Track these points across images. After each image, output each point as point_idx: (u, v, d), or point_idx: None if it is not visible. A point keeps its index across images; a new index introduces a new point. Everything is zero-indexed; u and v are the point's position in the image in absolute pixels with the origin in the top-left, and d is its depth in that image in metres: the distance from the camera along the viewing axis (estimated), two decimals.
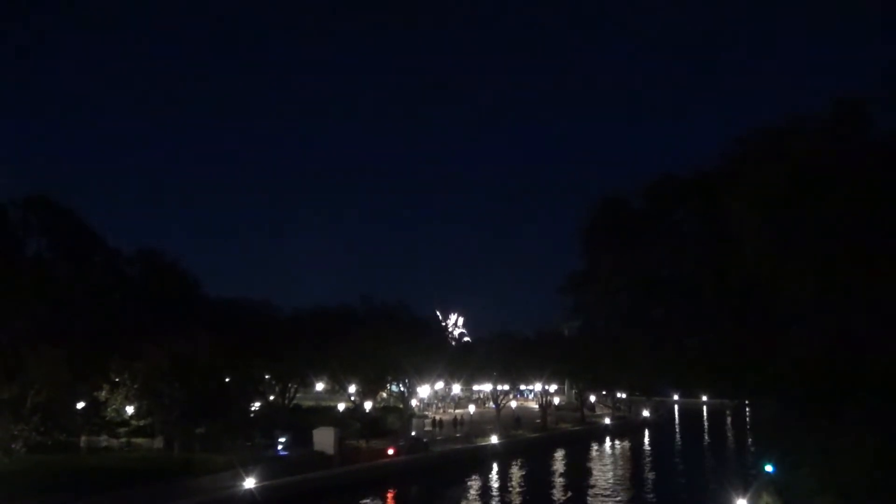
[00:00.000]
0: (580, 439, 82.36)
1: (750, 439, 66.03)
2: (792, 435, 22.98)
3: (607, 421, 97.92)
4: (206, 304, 60.87)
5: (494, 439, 67.07)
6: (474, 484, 52.01)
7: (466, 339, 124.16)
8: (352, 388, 67.46)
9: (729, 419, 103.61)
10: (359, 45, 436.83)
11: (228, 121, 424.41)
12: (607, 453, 75.92)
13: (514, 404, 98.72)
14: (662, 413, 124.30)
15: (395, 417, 72.42)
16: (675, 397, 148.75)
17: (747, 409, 55.48)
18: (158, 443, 50.40)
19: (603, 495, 48.48)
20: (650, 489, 52.70)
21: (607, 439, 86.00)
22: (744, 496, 32.76)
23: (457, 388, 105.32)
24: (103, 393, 47.21)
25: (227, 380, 53.13)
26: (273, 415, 63.14)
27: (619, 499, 47.70)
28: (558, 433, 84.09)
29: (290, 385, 67.68)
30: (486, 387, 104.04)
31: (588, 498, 47.74)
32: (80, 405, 48.86)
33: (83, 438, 48.51)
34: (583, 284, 27.20)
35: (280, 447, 51.72)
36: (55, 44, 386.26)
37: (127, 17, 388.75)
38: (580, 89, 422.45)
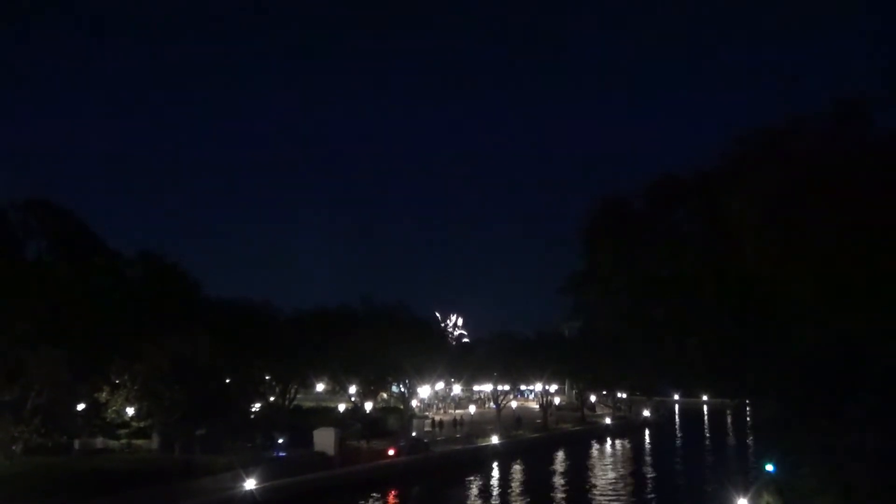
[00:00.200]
0: (581, 439, 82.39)
1: (750, 439, 66.06)
2: (792, 434, 22.93)
3: (608, 421, 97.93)
4: (206, 306, 60.73)
5: (495, 439, 67.08)
6: (475, 484, 52.02)
7: (466, 340, 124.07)
8: (352, 389, 67.48)
9: (729, 419, 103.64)
10: (359, 44, 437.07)
11: (228, 121, 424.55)
12: (608, 453, 75.94)
13: (514, 404, 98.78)
14: (663, 413, 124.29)
15: (396, 418, 72.47)
16: (676, 397, 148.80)
17: (747, 409, 55.44)
18: (155, 443, 50.38)
19: (604, 495, 48.51)
20: (651, 489, 52.72)
21: (608, 439, 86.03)
22: (744, 496, 32.75)
23: (457, 389, 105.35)
24: (103, 394, 47.21)
25: (227, 381, 53.15)
26: (273, 416, 63.14)
27: (620, 499, 47.72)
28: (559, 433, 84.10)
29: (290, 386, 67.66)
30: (487, 387, 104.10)
31: (589, 498, 47.76)
32: (81, 407, 48.84)
33: (77, 440, 48.21)
34: (583, 284, 27.17)
35: (277, 448, 51.60)
36: (55, 44, 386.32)
37: (127, 17, 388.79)
38: (580, 89, 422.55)
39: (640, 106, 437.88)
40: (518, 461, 63.19)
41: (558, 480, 55.45)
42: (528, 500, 47.46)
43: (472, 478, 53.75)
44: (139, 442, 51.23)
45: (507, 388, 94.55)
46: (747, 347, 21.96)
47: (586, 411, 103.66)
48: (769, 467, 33.80)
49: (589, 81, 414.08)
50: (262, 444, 52.76)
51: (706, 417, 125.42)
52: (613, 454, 75.60)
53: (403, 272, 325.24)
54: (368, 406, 66.79)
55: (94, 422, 50.16)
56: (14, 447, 39.97)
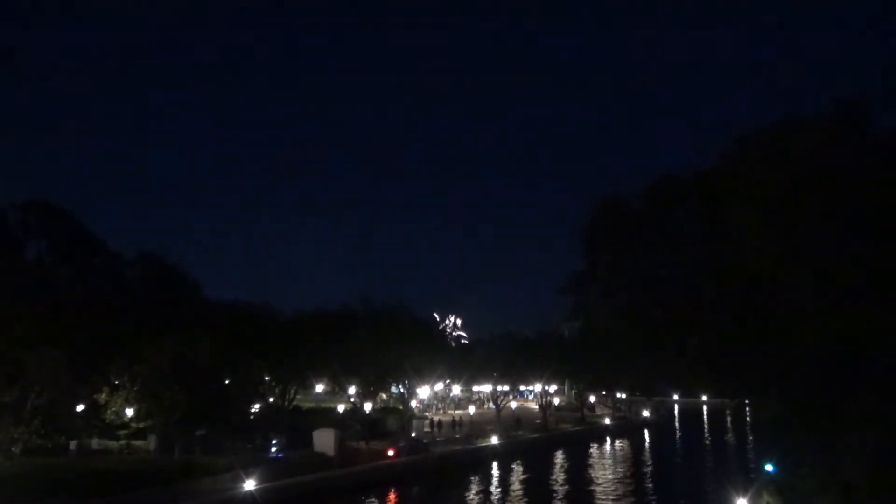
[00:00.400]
0: (580, 440, 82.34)
1: (750, 439, 66.07)
2: (792, 434, 22.94)
3: (607, 421, 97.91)
4: (206, 307, 60.79)
5: (495, 440, 67.06)
6: (475, 485, 52.00)
7: (465, 340, 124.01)
8: (352, 390, 67.44)
9: (729, 419, 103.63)
10: (359, 44, 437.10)
11: (228, 122, 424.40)
12: (607, 454, 75.89)
13: (514, 405, 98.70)
14: (663, 413, 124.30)
15: (395, 419, 72.44)
16: (676, 397, 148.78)
17: (747, 409, 55.47)
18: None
19: (603, 496, 48.48)
20: (651, 489, 52.70)
21: (607, 440, 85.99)
22: (744, 496, 32.76)
23: (457, 390, 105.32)
24: (103, 395, 47.18)
25: (227, 382, 53.11)
26: (273, 416, 63.11)
27: (619, 500, 47.69)
28: (558, 434, 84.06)
29: (290, 387, 67.64)
30: (486, 388, 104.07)
31: (589, 499, 47.74)
32: (80, 408, 48.78)
33: (72, 442, 48.06)
34: (583, 285, 27.16)
35: (274, 449, 51.35)
36: (54, 46, 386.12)
37: (127, 19, 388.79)
38: (580, 89, 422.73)
39: (640, 106, 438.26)
40: (518, 462, 63.17)
41: (558, 481, 55.41)
42: (528, 500, 47.43)
43: (471, 478, 53.71)
44: (138, 443, 51.19)
45: (506, 388, 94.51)
46: (747, 347, 21.97)
47: (586, 412, 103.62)
48: (769, 467, 33.81)
49: (589, 81, 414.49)
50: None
51: (706, 417, 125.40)
52: (613, 454, 75.55)
53: (403, 273, 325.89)
54: (368, 407, 66.77)
55: (94, 423, 50.11)
56: (14, 448, 39.94)
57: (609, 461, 69.26)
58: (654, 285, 25.30)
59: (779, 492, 28.20)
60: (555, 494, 49.22)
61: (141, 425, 49.43)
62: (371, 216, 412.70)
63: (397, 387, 75.89)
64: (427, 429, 74.17)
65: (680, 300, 24.25)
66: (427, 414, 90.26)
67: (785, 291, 19.51)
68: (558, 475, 58.83)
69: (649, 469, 64.07)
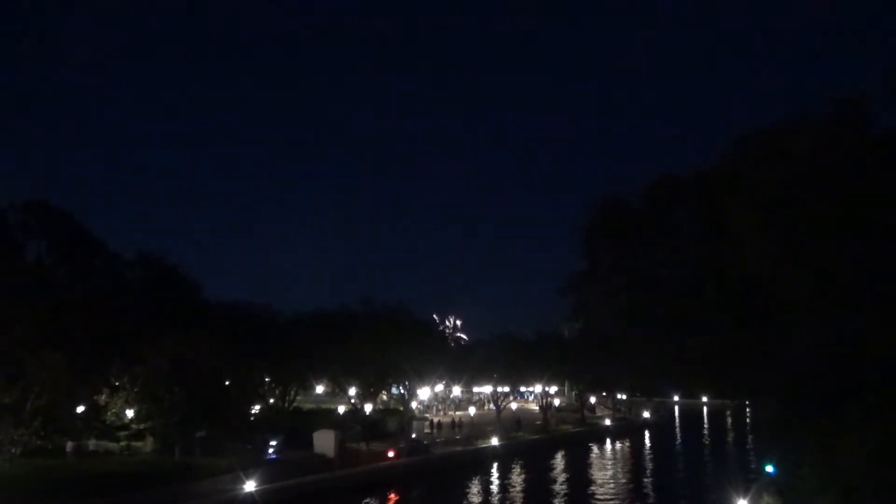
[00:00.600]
0: (581, 441, 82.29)
1: (750, 439, 66.01)
2: (793, 435, 22.92)
3: (608, 422, 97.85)
4: (206, 307, 60.80)
5: (495, 441, 67.01)
6: (475, 486, 51.96)
7: (464, 342, 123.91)
8: (352, 391, 67.40)
9: (729, 420, 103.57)
10: (358, 45, 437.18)
11: (228, 123, 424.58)
12: (608, 455, 75.85)
13: (514, 406, 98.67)
14: (663, 414, 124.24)
15: (396, 420, 72.38)
16: (676, 398, 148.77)
17: (747, 410, 55.44)
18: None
19: (603, 497, 48.45)
20: (651, 490, 52.67)
21: (608, 440, 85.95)
22: (744, 497, 32.73)
23: (457, 391, 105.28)
24: (103, 397, 47.13)
25: (227, 383, 53.07)
26: (273, 418, 63.08)
27: (620, 501, 47.65)
28: (559, 435, 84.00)
29: (290, 388, 67.61)
30: (487, 389, 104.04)
31: (589, 500, 47.71)
32: (80, 409, 48.73)
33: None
34: (583, 285, 27.18)
35: (271, 450, 51.05)
36: (54, 47, 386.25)
37: (127, 20, 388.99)
38: (579, 90, 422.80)
39: (639, 106, 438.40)
40: (518, 463, 63.13)
41: (558, 482, 55.36)
42: (528, 501, 47.41)
43: (472, 479, 53.66)
44: (138, 444, 51.14)
45: (506, 389, 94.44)
46: (747, 347, 21.96)
47: (586, 413, 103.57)
48: (769, 468, 33.80)
49: (588, 82, 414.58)
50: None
51: (706, 418, 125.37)
52: (613, 455, 75.51)
53: (403, 274, 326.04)
54: (368, 408, 66.72)
55: (95, 424, 50.05)
56: (13, 449, 39.91)
57: (609, 462, 69.21)
58: (654, 285, 25.31)
59: (779, 492, 28.17)
60: (555, 496, 49.17)
61: (141, 426, 49.36)
62: (371, 217, 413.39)
63: (397, 388, 75.83)
64: (427, 430, 74.15)
65: (680, 300, 24.25)
66: (427, 415, 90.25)
67: (785, 292, 19.50)
68: (558, 476, 58.79)
69: (650, 470, 64.04)
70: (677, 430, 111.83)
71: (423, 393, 79.58)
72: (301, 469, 47.02)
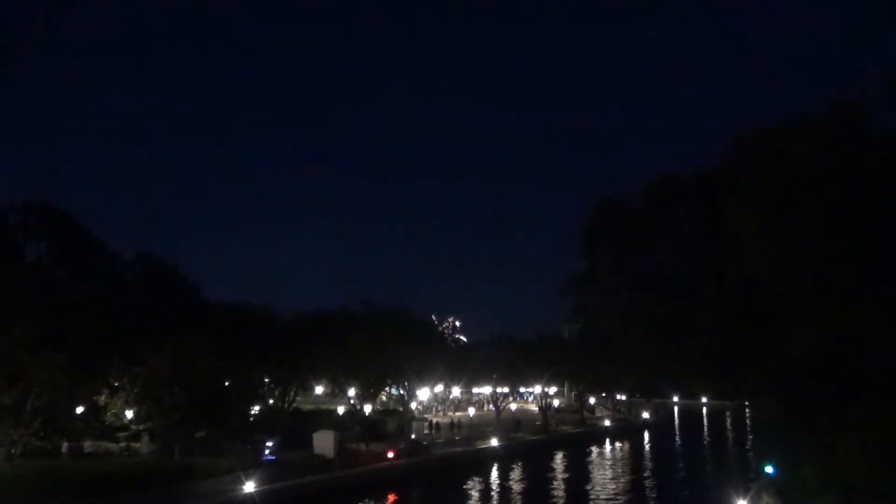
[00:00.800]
0: (580, 441, 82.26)
1: (750, 440, 66.02)
2: (792, 435, 22.95)
3: (607, 423, 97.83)
4: (206, 308, 60.82)
5: (494, 442, 67.00)
6: (474, 487, 51.95)
7: (462, 343, 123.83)
8: (351, 392, 67.36)
9: (729, 420, 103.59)
10: (357, 47, 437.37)
11: (228, 125, 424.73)
12: (607, 455, 75.86)
13: (513, 407, 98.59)
14: (662, 414, 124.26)
15: (395, 421, 72.35)
16: (675, 399, 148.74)
17: (747, 411, 55.48)
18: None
19: (603, 497, 48.46)
20: (650, 491, 52.68)
21: (607, 441, 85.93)
22: (744, 497, 32.76)
23: (456, 391, 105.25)
24: (103, 397, 47.08)
25: (226, 383, 53.02)
26: (273, 418, 63.04)
27: (619, 501, 47.67)
28: (558, 435, 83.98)
29: (289, 388, 67.56)
30: (486, 389, 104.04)
31: (588, 501, 47.72)
32: (80, 410, 48.66)
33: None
34: (583, 285, 27.21)
35: (267, 452, 50.59)
36: (55, 46, 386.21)
37: (127, 21, 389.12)
38: (579, 90, 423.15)
39: (640, 106, 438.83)
40: (517, 463, 63.14)
41: (558, 483, 55.38)
42: (528, 502, 47.41)
43: (471, 480, 53.65)
44: (136, 445, 51.06)
45: (506, 390, 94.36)
46: (747, 348, 21.98)
47: (586, 413, 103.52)
48: (769, 469, 33.84)
49: (587, 82, 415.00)
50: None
51: (706, 419, 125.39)
52: (613, 456, 75.53)
53: (403, 275, 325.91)
54: (368, 409, 66.69)
55: (94, 425, 49.99)
56: (13, 450, 39.90)
57: (609, 463, 69.22)
58: (654, 286, 25.33)
59: (779, 493, 28.22)
60: (554, 496, 49.17)
61: (140, 427, 49.30)
62: (371, 217, 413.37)
63: (397, 389, 75.73)
64: (425, 431, 74.16)
65: (680, 300, 24.27)
66: (427, 416, 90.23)
67: (785, 292, 19.51)
68: (558, 477, 58.80)
69: (649, 471, 64.04)
70: (677, 430, 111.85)
71: (423, 394, 79.53)
72: (301, 470, 46.99)
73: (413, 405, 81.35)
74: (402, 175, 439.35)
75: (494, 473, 58.27)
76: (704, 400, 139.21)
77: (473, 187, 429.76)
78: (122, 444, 50.49)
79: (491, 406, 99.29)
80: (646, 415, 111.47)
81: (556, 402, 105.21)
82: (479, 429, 78.10)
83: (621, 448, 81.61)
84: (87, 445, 49.83)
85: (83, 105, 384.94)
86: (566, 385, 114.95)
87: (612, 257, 25.24)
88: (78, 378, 42.28)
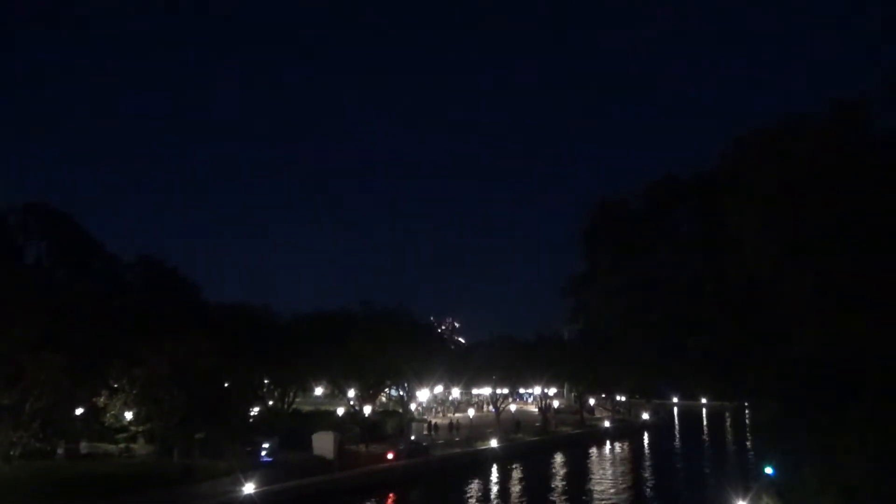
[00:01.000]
0: (580, 442, 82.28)
1: (749, 441, 66.03)
2: (792, 436, 22.93)
3: (607, 424, 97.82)
4: (205, 309, 60.79)
5: (494, 443, 66.97)
6: (474, 488, 51.93)
7: (461, 346, 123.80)
8: (351, 393, 67.34)
9: (728, 421, 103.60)
10: (358, 48, 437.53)
11: (227, 127, 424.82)
12: (607, 456, 75.84)
13: (513, 408, 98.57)
14: (662, 415, 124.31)
15: (395, 422, 72.32)
16: (675, 400, 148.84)
17: (746, 412, 55.55)
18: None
19: (603, 499, 48.44)
20: (650, 492, 52.68)
21: (607, 442, 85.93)
22: (744, 498, 32.72)
23: (456, 393, 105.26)
24: (102, 399, 47.02)
25: (226, 385, 52.99)
26: (272, 420, 63.00)
27: (619, 502, 47.66)
28: (558, 436, 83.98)
29: (289, 390, 67.54)
30: (486, 391, 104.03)
31: (588, 501, 47.71)
32: (79, 411, 48.59)
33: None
34: (583, 286, 27.20)
35: (264, 453, 50.29)
36: (55, 47, 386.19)
37: (127, 19, 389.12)
38: (579, 91, 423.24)
39: (640, 107, 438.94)
40: (517, 464, 63.10)
41: (557, 484, 55.35)
42: (528, 503, 47.39)
43: (471, 481, 53.63)
44: (134, 446, 50.95)
45: (506, 391, 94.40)
46: (747, 348, 21.97)
47: (585, 414, 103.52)
48: (769, 469, 33.82)
49: (587, 83, 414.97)
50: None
51: (705, 420, 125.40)
52: (612, 457, 75.50)
53: (402, 276, 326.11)
54: (367, 410, 66.67)
55: (94, 426, 49.92)
56: (12, 452, 39.86)
57: (609, 464, 69.21)
58: (654, 286, 25.32)
59: (779, 493, 28.17)
60: (554, 497, 49.16)
61: (140, 428, 49.22)
62: (370, 218, 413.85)
63: (397, 390, 75.63)
64: (424, 432, 74.16)
65: (680, 301, 24.27)
66: (427, 417, 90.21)
67: (785, 292, 19.51)
68: (558, 478, 58.78)
69: (649, 472, 64.04)
70: (677, 431, 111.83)
71: (423, 395, 79.49)
72: (300, 471, 46.97)
73: (413, 406, 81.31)
74: (402, 175, 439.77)
75: (494, 474, 58.25)
76: (704, 401, 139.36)
77: (473, 188, 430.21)
78: (122, 446, 50.44)
79: (490, 407, 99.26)
80: (645, 416, 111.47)
81: (555, 403, 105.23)
82: (478, 430, 78.07)
83: (621, 449, 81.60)
84: (84, 447, 49.62)
85: (83, 106, 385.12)
86: (566, 386, 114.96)
87: (611, 258, 25.25)
88: (77, 379, 42.23)
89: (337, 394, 74.88)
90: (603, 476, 58.97)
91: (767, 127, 20.37)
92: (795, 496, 23.47)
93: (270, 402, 67.84)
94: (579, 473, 60.17)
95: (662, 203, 24.44)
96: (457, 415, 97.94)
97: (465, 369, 79.70)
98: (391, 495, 48.41)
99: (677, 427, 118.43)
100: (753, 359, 21.91)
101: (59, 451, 46.86)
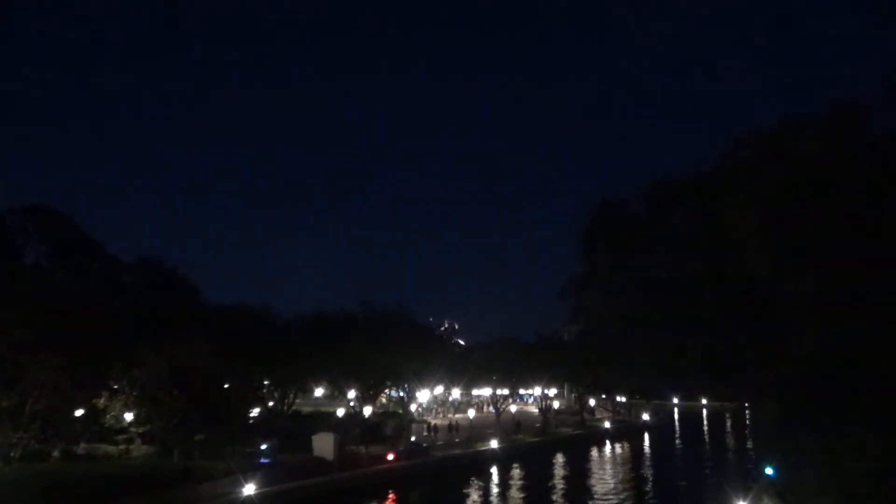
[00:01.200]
0: (580, 443, 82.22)
1: (750, 442, 65.97)
2: (792, 436, 22.93)
3: (607, 425, 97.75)
4: (205, 311, 60.73)
5: (494, 444, 66.94)
6: (474, 488, 51.91)
7: (460, 348, 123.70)
8: (351, 394, 67.33)
9: (728, 422, 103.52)
10: (358, 50, 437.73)
11: (228, 127, 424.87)
12: (607, 457, 75.75)
13: (513, 409, 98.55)
14: (662, 416, 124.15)
15: (395, 423, 72.29)
16: (675, 401, 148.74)
17: (746, 412, 55.51)
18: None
19: (603, 499, 48.40)
20: (650, 493, 52.63)
21: (607, 443, 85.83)
22: (744, 499, 32.71)
23: (456, 393, 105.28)
24: (102, 400, 46.98)
25: (226, 386, 52.96)
26: (272, 421, 62.96)
27: (619, 502, 47.63)
28: (558, 437, 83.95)
29: (289, 391, 67.52)
30: (486, 391, 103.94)
31: (588, 502, 47.68)
32: (79, 412, 48.52)
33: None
34: (582, 287, 27.21)
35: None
36: (55, 49, 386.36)
37: (127, 19, 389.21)
38: (578, 92, 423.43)
39: (639, 108, 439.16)
40: (517, 465, 63.05)
41: (557, 484, 55.31)
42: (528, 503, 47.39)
43: (471, 482, 53.61)
44: (133, 447, 50.87)
45: (506, 392, 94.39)
46: (747, 349, 21.97)
47: (585, 415, 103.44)
48: (769, 470, 33.80)
49: (588, 84, 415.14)
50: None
51: (705, 421, 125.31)
52: (613, 458, 75.41)
53: (402, 277, 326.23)
54: (367, 411, 66.63)
55: (93, 428, 49.87)
56: (12, 453, 39.82)
57: (609, 464, 69.14)
58: (654, 287, 25.31)
59: (779, 494, 28.16)
60: (554, 498, 49.14)
61: (140, 430, 49.17)
62: (370, 219, 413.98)
63: (397, 391, 75.56)
64: (425, 433, 74.11)
65: (679, 302, 24.26)
66: (427, 418, 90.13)
67: (784, 293, 19.51)
68: (558, 479, 58.74)
69: (649, 472, 63.99)
70: (677, 432, 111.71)
71: (423, 396, 79.44)
72: (300, 472, 46.94)
73: (413, 407, 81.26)
74: (401, 176, 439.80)
75: (494, 475, 58.22)
76: (704, 401, 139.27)
77: (473, 188, 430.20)
78: (122, 447, 50.40)
79: (491, 408, 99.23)
80: (646, 416, 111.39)
81: (555, 404, 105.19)
82: (479, 431, 78.02)
83: (621, 450, 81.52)
84: (80, 448, 49.39)
85: (83, 108, 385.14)
86: (566, 387, 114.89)
87: (611, 258, 25.25)
88: (77, 380, 42.16)
89: (337, 395, 74.84)
90: (603, 477, 58.92)
91: (767, 127, 20.39)
92: (795, 497, 23.47)
93: (270, 404, 67.81)
94: (580, 474, 60.11)
95: (662, 203, 24.44)
96: (457, 416, 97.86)
97: (465, 370, 79.68)
98: (391, 496, 48.39)
99: (678, 428, 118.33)
100: (753, 359, 21.91)
101: (55, 452, 46.73)
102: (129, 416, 47.68)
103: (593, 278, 26.27)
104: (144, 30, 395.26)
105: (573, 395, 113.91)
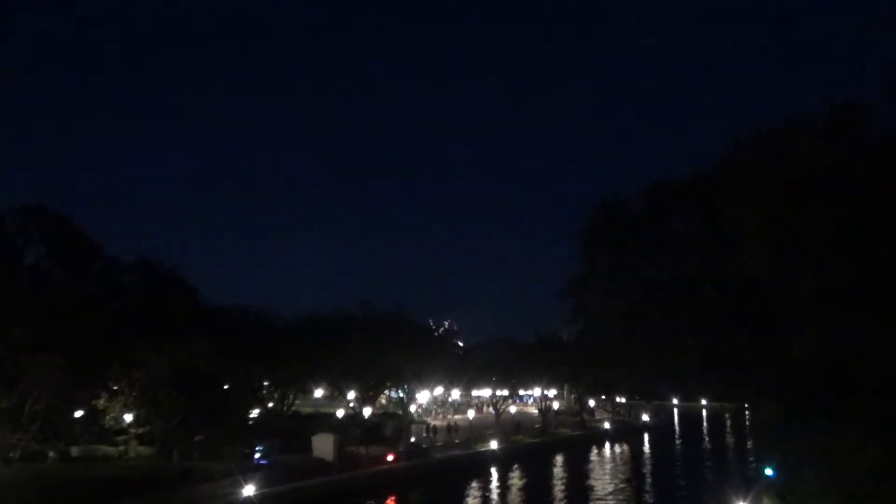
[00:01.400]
0: (580, 444, 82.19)
1: (749, 442, 65.94)
2: (792, 437, 22.90)
3: (607, 425, 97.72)
4: (205, 312, 60.65)
5: (494, 444, 66.90)
6: (474, 489, 51.88)
7: (459, 349, 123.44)
8: (351, 395, 67.30)
9: (728, 423, 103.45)
10: (357, 49, 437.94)
11: (227, 128, 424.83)
12: (607, 458, 75.74)
13: (513, 409, 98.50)
14: (662, 417, 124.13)
15: (395, 423, 72.23)
16: (675, 401, 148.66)
17: (746, 413, 55.51)
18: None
19: (603, 500, 48.38)
20: (650, 494, 52.60)
21: (607, 444, 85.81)
22: (744, 500, 32.71)
23: (456, 394, 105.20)
24: (101, 401, 46.91)
25: (226, 387, 52.90)
26: (272, 422, 62.90)
27: (619, 503, 47.60)
28: (558, 438, 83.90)
29: (289, 392, 67.46)
30: (486, 392, 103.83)
31: (588, 502, 47.65)
32: (79, 413, 48.44)
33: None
34: (582, 288, 27.18)
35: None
36: (55, 49, 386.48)
37: (126, 19, 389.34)
38: (578, 92, 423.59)
39: (638, 109, 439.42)
40: (517, 466, 63.03)
41: (557, 485, 55.32)
42: None
43: (471, 483, 53.58)
44: (131, 448, 50.76)
45: (505, 393, 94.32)
46: (747, 349, 21.95)
47: (585, 416, 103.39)
48: (768, 471, 33.79)
49: (588, 84, 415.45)
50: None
51: (705, 421, 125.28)
52: (613, 459, 75.39)
53: (402, 277, 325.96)
54: (367, 411, 66.58)
55: (93, 429, 49.77)
56: (12, 454, 39.76)
57: (609, 465, 69.12)
58: (654, 288, 25.30)
59: (778, 495, 28.14)
60: (554, 498, 49.12)
61: (139, 431, 49.07)
62: (369, 220, 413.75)
63: (396, 391, 75.50)
64: (425, 433, 74.09)
65: (679, 303, 24.24)
66: (427, 419, 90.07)
67: (784, 294, 19.50)
68: (557, 479, 58.73)
69: (649, 473, 63.97)
70: (677, 432, 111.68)
71: (423, 396, 79.38)
72: (300, 473, 46.91)
73: (412, 408, 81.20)
74: (401, 177, 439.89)
75: (494, 476, 58.19)
76: (704, 402, 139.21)
77: (472, 188, 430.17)
78: (122, 448, 50.31)
79: (490, 409, 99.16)
80: (645, 417, 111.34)
81: (555, 405, 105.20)
82: (478, 431, 77.99)
83: (621, 450, 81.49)
84: (75, 450, 49.11)
85: (83, 109, 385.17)
86: (566, 387, 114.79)
87: (611, 259, 25.25)
88: (76, 381, 42.10)
89: (336, 396, 74.79)
90: (603, 477, 58.90)
91: (767, 128, 20.38)
92: (795, 497, 23.44)
93: (270, 404, 67.76)
94: (579, 475, 60.10)
95: (662, 204, 24.43)
96: (456, 416, 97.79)
97: (464, 371, 79.62)
98: (391, 497, 48.37)
99: (677, 428, 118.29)
100: (753, 359, 21.89)
101: (51, 454, 46.55)
102: (128, 418, 47.59)
103: (593, 278, 26.26)
104: (144, 30, 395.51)
105: (573, 396, 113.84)
